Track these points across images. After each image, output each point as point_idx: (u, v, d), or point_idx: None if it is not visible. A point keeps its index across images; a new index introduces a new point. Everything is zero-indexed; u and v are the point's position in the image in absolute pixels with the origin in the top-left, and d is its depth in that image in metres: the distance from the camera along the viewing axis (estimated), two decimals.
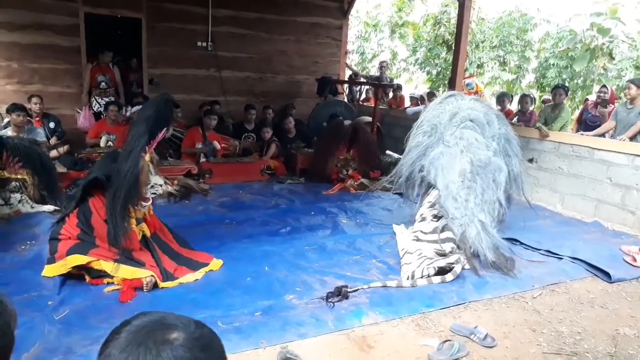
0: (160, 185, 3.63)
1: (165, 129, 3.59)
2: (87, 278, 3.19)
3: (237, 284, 3.31)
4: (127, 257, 3.23)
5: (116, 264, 3.15)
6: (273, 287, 3.30)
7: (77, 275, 3.21)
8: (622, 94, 7.65)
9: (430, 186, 4.29)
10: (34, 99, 6.22)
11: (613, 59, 13.67)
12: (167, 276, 3.28)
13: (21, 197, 4.55)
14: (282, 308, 2.99)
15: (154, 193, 3.54)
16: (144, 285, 3.09)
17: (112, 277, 3.14)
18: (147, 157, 3.45)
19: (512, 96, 9.00)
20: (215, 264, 3.61)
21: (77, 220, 3.32)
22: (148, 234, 3.51)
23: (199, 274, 3.43)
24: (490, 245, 3.80)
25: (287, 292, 3.22)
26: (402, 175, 4.56)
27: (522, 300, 3.35)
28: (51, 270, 3.22)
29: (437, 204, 4.01)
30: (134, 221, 3.37)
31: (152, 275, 3.14)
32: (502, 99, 7.81)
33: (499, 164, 4.21)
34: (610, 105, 6.91)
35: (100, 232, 3.25)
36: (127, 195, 3.13)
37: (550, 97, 7.58)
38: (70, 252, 3.18)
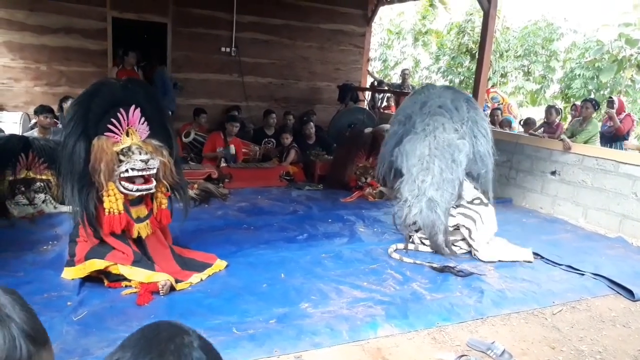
0: (144, 162, 3.24)
1: (134, 109, 3.30)
2: (106, 282, 3.23)
3: (253, 290, 3.32)
4: (140, 261, 3.25)
5: (133, 267, 3.19)
6: (289, 294, 3.30)
7: (95, 277, 3.26)
8: None
9: (397, 172, 4.65)
10: (70, 101, 6.35)
11: None
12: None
13: (45, 197, 4.65)
14: (297, 316, 2.99)
15: (134, 168, 3.22)
16: (160, 288, 3.12)
17: (129, 280, 3.17)
18: (127, 141, 3.27)
19: (561, 110, 8.64)
20: (219, 265, 3.63)
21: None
22: (144, 234, 3.42)
23: (203, 275, 3.46)
24: (428, 222, 4.23)
25: (303, 300, 3.22)
26: (384, 163, 4.86)
27: (541, 316, 3.29)
28: (70, 273, 3.27)
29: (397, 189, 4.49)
30: (111, 206, 3.25)
31: (167, 279, 3.17)
32: (550, 111, 7.60)
33: (459, 145, 4.47)
34: (624, 113, 6.82)
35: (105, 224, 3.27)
36: (74, 177, 3.13)
37: (579, 105, 7.42)
38: (88, 256, 3.22)
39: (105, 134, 3.22)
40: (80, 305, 2.91)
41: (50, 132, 5.63)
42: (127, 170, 3.24)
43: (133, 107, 3.31)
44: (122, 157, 3.24)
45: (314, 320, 2.95)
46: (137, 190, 3.31)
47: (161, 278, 3.16)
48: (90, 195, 3.20)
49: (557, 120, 7.45)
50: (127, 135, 3.32)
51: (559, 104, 15.19)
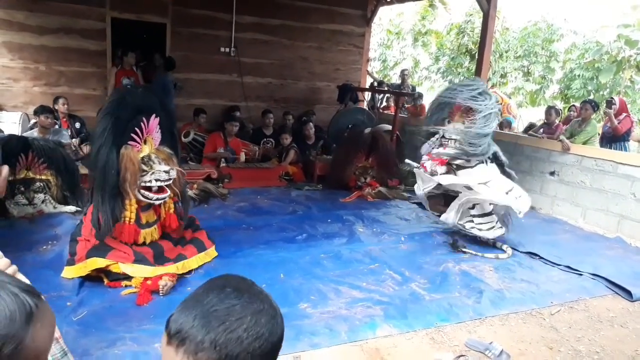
0: (166, 172, 3.36)
1: (154, 118, 3.40)
2: (106, 281, 3.24)
3: None
4: (140, 258, 3.28)
5: (135, 264, 3.20)
6: (288, 295, 3.30)
7: (95, 277, 3.26)
8: None
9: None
10: (61, 100, 6.38)
11: None
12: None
13: (45, 197, 4.65)
14: (297, 317, 2.99)
15: (159, 179, 3.33)
16: (160, 288, 3.13)
17: (130, 279, 3.18)
18: (145, 149, 3.38)
19: (560, 110, 8.48)
20: (212, 252, 3.76)
21: (91, 218, 3.33)
22: (153, 238, 3.50)
23: (200, 259, 3.58)
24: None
25: (302, 300, 3.23)
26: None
27: (539, 316, 3.30)
28: (71, 272, 3.28)
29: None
30: (130, 215, 3.34)
31: (169, 281, 3.18)
32: (549, 111, 7.55)
33: None
34: (624, 114, 6.82)
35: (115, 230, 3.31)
36: (108, 187, 3.17)
37: (579, 106, 7.39)
38: (89, 254, 3.23)
39: (129, 142, 3.29)
40: (80, 306, 2.91)
41: (50, 132, 5.64)
42: (150, 181, 3.32)
43: (153, 115, 3.40)
44: (144, 167, 3.32)
45: (312, 321, 2.95)
46: (157, 200, 3.40)
47: (166, 271, 3.20)
48: (117, 203, 3.25)
49: (557, 121, 7.44)
50: (145, 143, 3.40)
51: (559, 104, 15.20)
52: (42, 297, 0.87)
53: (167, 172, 3.36)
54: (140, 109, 3.39)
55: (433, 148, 4.88)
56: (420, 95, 9.98)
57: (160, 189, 3.40)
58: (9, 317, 0.78)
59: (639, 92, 13.69)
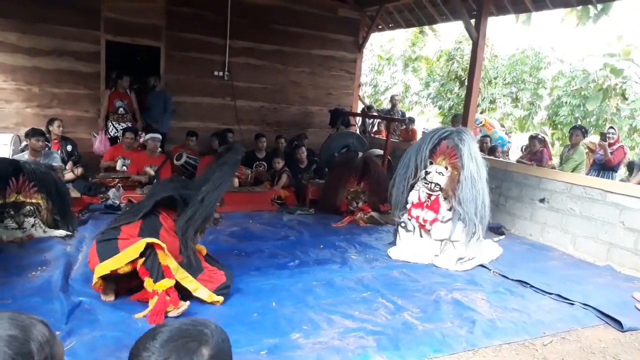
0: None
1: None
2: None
3: (243, 320, 3.29)
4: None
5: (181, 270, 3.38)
6: (279, 324, 3.28)
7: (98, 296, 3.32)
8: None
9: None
10: (56, 122, 6.39)
11: (626, 99, 13.73)
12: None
13: (34, 221, 4.59)
14: (288, 347, 2.96)
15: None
16: (172, 309, 3.18)
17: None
18: None
19: (544, 138, 8.39)
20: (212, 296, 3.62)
21: (140, 230, 3.44)
22: (203, 253, 3.82)
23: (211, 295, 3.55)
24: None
25: (294, 330, 3.20)
26: None
27: (532, 347, 3.30)
28: (106, 267, 3.27)
29: None
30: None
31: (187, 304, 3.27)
32: (533, 142, 7.54)
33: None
34: (618, 144, 6.93)
35: (168, 246, 3.38)
36: (203, 222, 3.60)
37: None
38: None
39: None
40: (69, 335, 2.86)
41: (41, 155, 5.61)
42: None
43: None
44: None
45: (305, 352, 2.92)
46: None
47: (198, 290, 3.44)
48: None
49: (540, 149, 7.54)
50: None
51: (547, 130, 15.46)
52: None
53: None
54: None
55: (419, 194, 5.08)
56: (412, 120, 10.10)
57: None
58: (47, 341, 0.94)
59: (625, 120, 13.96)
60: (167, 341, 1.01)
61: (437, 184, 4.89)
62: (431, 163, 5.01)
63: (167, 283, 3.23)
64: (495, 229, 6.13)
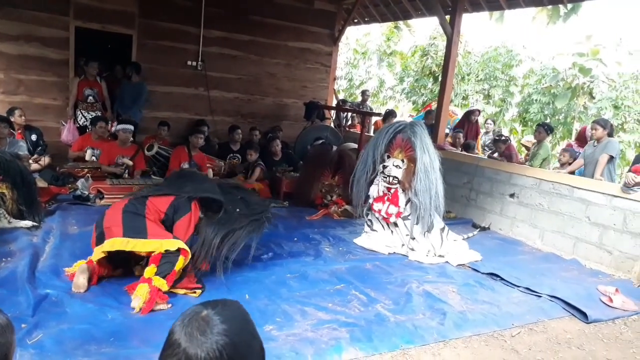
0: None
1: None
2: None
3: None
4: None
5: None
6: (253, 316, 3.12)
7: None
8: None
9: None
10: (17, 112, 6.15)
11: (593, 98, 14.10)
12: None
13: None
14: (262, 339, 2.94)
15: None
16: (162, 304, 3.18)
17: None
18: None
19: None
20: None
21: (170, 207, 3.59)
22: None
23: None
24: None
25: (267, 322, 3.19)
26: None
27: (501, 338, 3.37)
28: (129, 244, 3.33)
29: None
30: None
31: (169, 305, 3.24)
32: (498, 144, 7.97)
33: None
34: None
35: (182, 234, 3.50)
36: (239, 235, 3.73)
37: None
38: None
39: None
40: (36, 328, 2.78)
41: (6, 142, 5.43)
42: None
43: None
44: None
45: (278, 344, 2.92)
46: None
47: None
48: None
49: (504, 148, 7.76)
50: None
51: (517, 127, 15.76)
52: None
53: None
54: None
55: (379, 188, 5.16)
56: (393, 113, 10.07)
57: None
58: (4, 328, 0.97)
59: (591, 118, 14.34)
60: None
61: (395, 177, 4.99)
62: (388, 157, 5.08)
63: (163, 285, 3.22)
64: (476, 226, 6.30)
